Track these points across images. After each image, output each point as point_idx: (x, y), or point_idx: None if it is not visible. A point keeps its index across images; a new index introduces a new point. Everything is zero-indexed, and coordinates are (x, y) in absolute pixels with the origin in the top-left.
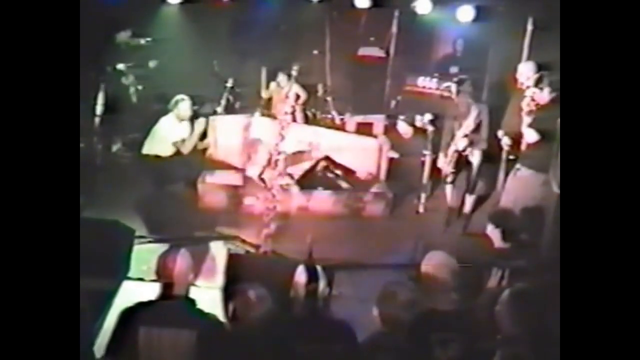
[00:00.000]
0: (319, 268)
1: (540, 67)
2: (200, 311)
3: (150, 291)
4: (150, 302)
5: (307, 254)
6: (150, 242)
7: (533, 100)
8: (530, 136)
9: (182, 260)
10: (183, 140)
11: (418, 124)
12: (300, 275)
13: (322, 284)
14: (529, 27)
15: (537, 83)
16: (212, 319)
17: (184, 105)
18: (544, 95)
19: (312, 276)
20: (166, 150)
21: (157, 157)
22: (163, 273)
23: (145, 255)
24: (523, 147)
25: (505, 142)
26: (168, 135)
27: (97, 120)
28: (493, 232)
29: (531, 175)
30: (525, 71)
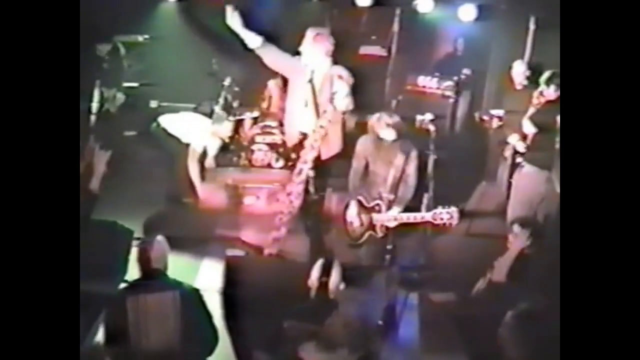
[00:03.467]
0: (335, 264)
1: (537, 66)
2: (176, 280)
3: None
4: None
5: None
6: None
7: (542, 95)
8: (527, 128)
9: (158, 247)
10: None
11: (419, 123)
12: (316, 269)
13: (334, 278)
14: (531, 27)
15: (548, 80)
16: (188, 287)
17: (227, 125)
18: (550, 92)
19: (326, 270)
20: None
21: (168, 133)
22: (143, 258)
23: None
24: (528, 142)
25: (520, 147)
26: (191, 135)
27: (92, 118)
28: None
29: (535, 172)
30: (523, 70)
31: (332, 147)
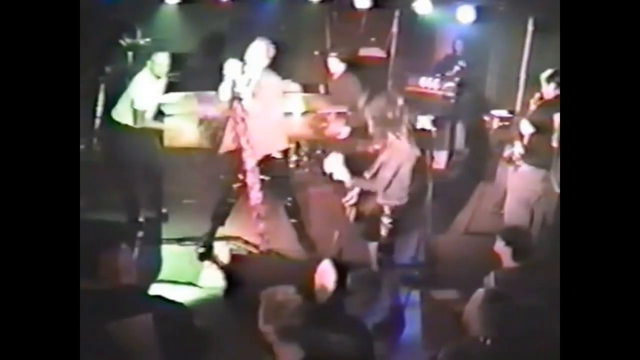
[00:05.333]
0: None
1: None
2: (151, 298)
3: None
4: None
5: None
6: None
7: (541, 94)
8: (525, 128)
9: (125, 257)
10: (144, 112)
11: (419, 125)
12: (330, 271)
13: (349, 281)
14: (530, 28)
15: (549, 78)
16: (165, 305)
17: (161, 58)
18: (550, 91)
19: (341, 273)
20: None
21: (126, 126)
22: (109, 272)
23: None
24: (525, 142)
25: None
26: (137, 96)
27: (97, 121)
28: (504, 250)
29: (531, 171)
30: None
31: (267, 146)
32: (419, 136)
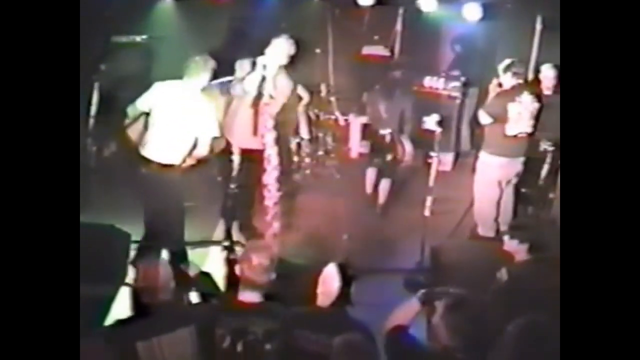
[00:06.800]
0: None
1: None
2: (187, 308)
3: None
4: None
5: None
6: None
7: (500, 85)
8: (483, 119)
9: (165, 270)
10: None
11: (425, 125)
12: (335, 277)
13: (353, 287)
14: (538, 26)
15: (506, 68)
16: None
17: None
18: (507, 80)
19: (345, 279)
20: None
21: (167, 166)
22: (148, 287)
23: None
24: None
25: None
26: (207, 125)
27: (91, 121)
28: (518, 248)
29: (491, 159)
30: (553, 74)
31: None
32: (423, 137)
